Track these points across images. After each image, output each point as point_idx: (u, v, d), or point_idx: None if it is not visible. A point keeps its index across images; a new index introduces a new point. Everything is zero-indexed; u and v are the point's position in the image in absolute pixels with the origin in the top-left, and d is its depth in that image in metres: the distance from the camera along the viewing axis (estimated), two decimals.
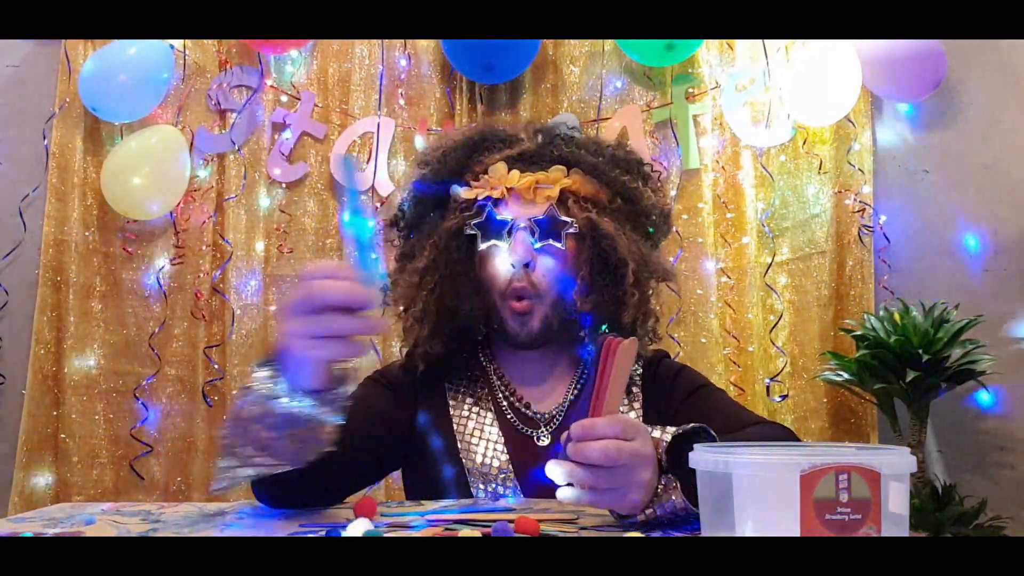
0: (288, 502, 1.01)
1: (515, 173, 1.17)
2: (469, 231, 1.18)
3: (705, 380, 1.26)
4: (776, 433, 1.08)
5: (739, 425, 1.10)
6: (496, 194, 1.17)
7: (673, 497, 0.86)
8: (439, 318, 1.17)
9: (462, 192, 1.20)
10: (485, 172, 1.20)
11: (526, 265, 1.14)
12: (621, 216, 1.20)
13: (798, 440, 1.11)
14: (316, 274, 0.77)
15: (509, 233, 1.15)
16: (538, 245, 1.15)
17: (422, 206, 1.24)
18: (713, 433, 0.92)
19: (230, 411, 0.86)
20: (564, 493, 0.84)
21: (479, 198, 1.18)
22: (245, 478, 0.87)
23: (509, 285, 1.16)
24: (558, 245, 1.15)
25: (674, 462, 0.88)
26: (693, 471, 0.82)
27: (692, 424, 0.92)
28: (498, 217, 1.16)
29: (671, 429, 0.91)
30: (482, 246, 1.17)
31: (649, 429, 0.89)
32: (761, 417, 1.20)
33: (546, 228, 1.15)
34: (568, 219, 1.16)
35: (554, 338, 1.19)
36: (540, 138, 1.25)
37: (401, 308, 1.22)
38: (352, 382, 0.87)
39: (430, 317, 1.17)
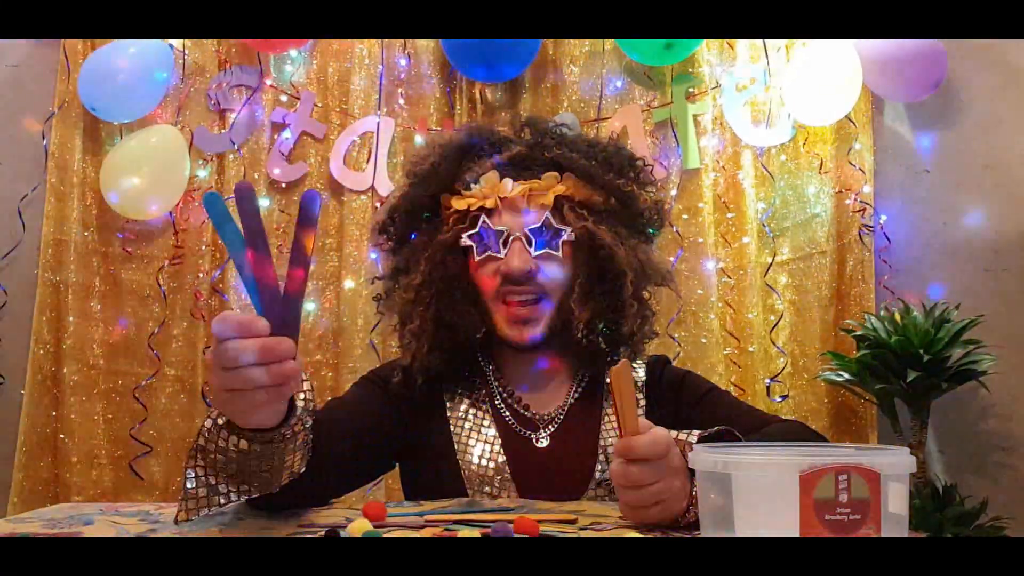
0: (275, 507, 1.00)
1: (507, 182, 1.16)
2: (464, 243, 1.17)
3: (711, 384, 1.26)
4: (795, 430, 1.09)
5: (755, 425, 1.10)
6: (489, 204, 1.15)
7: None
8: (437, 333, 1.16)
9: (454, 202, 1.19)
10: (476, 181, 1.18)
11: (527, 274, 1.13)
12: (616, 219, 1.19)
13: (819, 436, 1.12)
14: (226, 332, 0.74)
15: (505, 243, 1.14)
16: (535, 254, 1.14)
17: (413, 216, 1.23)
18: (738, 434, 0.94)
19: (196, 443, 0.86)
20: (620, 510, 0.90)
21: (472, 208, 1.17)
22: (218, 507, 0.88)
23: (506, 292, 1.15)
24: (555, 253, 1.15)
25: None
26: None
27: (717, 427, 0.94)
28: (493, 227, 1.15)
29: (696, 432, 0.93)
30: (478, 258, 1.16)
31: (674, 434, 0.90)
32: (773, 415, 1.20)
33: (542, 237, 1.14)
34: (564, 227, 1.15)
35: (554, 340, 1.18)
36: (530, 137, 1.23)
37: (398, 323, 1.21)
38: (307, 416, 0.87)
39: (428, 333, 1.16)
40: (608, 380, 0.89)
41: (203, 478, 0.87)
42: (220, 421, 0.83)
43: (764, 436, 1.04)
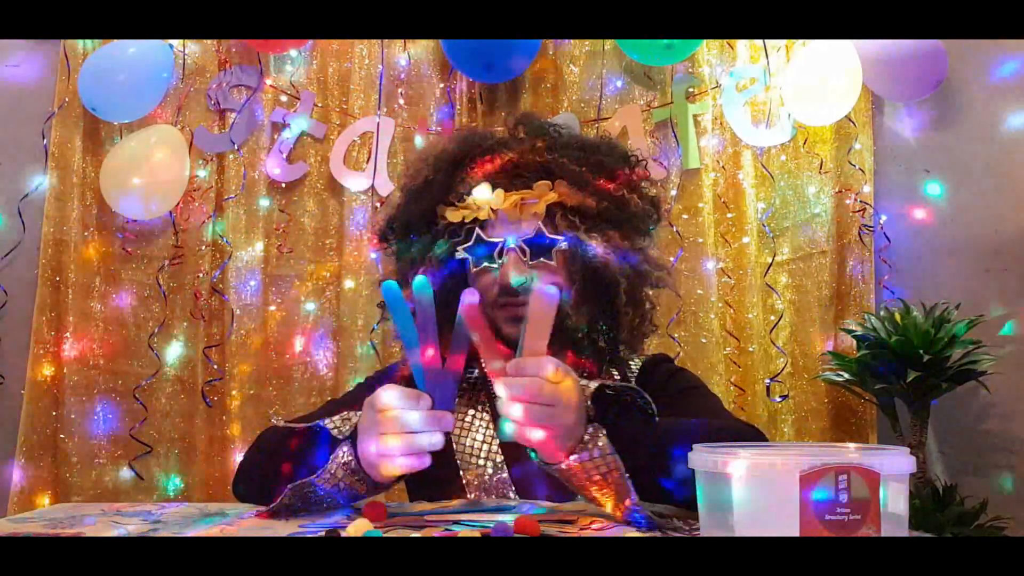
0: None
1: (500, 193, 1.16)
2: (459, 255, 1.18)
3: (700, 383, 1.25)
4: (738, 428, 1.06)
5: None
6: (482, 215, 1.16)
7: (599, 444, 0.89)
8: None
9: (448, 214, 1.19)
10: (469, 192, 1.18)
11: (523, 285, 1.13)
12: (611, 223, 1.19)
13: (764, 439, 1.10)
14: (393, 403, 0.90)
15: (500, 254, 1.15)
16: (531, 264, 1.15)
17: (409, 230, 1.24)
18: (647, 396, 0.95)
19: (319, 475, 0.97)
20: (503, 427, 0.92)
21: (466, 220, 1.17)
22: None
23: (503, 303, 1.15)
24: (550, 263, 1.15)
25: (605, 417, 0.94)
26: (620, 425, 0.91)
27: (623, 383, 0.97)
28: (487, 239, 1.16)
29: (597, 381, 0.96)
30: (474, 269, 1.17)
31: (579, 380, 0.94)
32: (745, 422, 1.19)
33: (536, 247, 1.15)
34: (557, 237, 1.15)
35: (551, 344, 1.18)
36: (523, 136, 1.23)
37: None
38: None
39: None
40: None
41: (292, 503, 0.98)
42: (355, 467, 0.97)
43: (702, 427, 1.00)
